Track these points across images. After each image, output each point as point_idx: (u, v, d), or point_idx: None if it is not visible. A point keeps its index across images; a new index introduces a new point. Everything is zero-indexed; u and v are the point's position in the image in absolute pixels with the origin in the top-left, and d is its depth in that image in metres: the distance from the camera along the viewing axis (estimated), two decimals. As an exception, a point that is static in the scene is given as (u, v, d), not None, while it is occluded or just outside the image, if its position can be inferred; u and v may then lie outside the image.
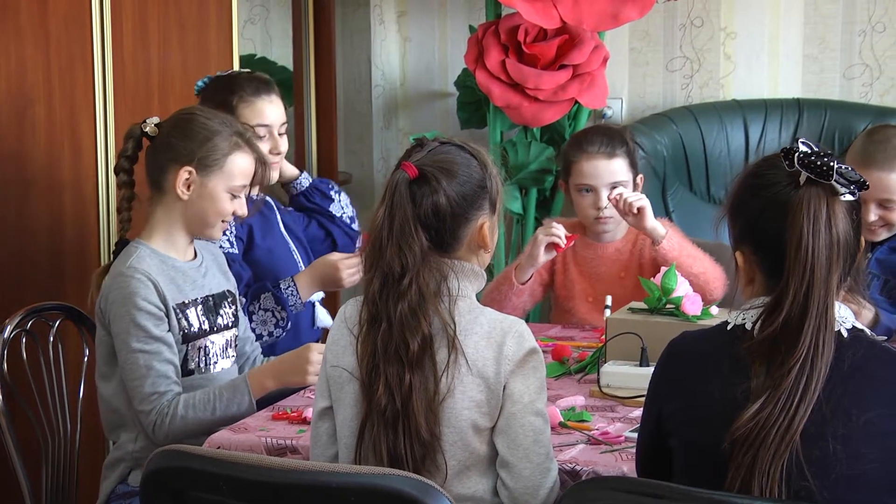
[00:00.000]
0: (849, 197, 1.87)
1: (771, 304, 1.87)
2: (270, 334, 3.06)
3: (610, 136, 3.28)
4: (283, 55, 4.77)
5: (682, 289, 2.80)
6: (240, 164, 2.70)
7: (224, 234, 3.01)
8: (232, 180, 2.70)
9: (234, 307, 2.82)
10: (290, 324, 3.09)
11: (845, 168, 1.86)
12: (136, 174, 2.76)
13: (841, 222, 1.85)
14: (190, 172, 2.67)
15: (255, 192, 3.16)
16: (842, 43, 4.37)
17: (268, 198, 3.25)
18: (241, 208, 2.74)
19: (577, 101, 4.16)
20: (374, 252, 2.07)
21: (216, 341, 2.75)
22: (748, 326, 1.89)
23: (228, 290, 2.83)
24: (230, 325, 2.80)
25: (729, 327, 1.93)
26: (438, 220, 2.06)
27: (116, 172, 2.79)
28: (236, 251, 3.07)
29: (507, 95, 4.13)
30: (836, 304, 1.89)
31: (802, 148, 1.88)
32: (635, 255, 3.31)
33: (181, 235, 2.72)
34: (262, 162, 2.76)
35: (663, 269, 2.85)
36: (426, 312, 2.03)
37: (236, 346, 2.84)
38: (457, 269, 2.09)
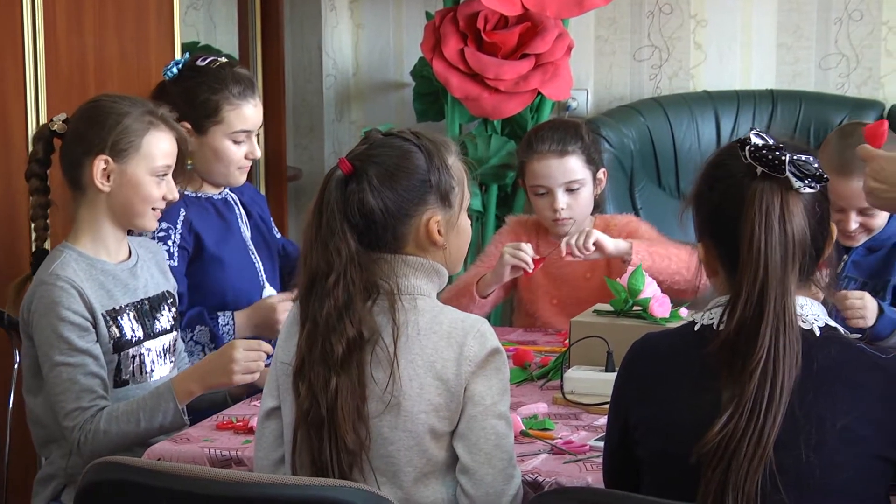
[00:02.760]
0: (808, 189, 1.87)
1: (727, 305, 1.88)
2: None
3: (562, 133, 3.28)
4: (227, 43, 4.75)
5: (649, 290, 2.82)
6: (158, 144, 2.68)
7: (164, 243, 2.99)
8: (153, 161, 2.67)
9: (174, 309, 2.81)
10: None
11: (801, 159, 1.86)
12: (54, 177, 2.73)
13: (797, 217, 1.86)
14: (106, 161, 2.64)
15: (218, 191, 3.14)
16: (817, 31, 4.41)
17: (229, 195, 3.20)
18: (172, 192, 2.71)
19: (539, 93, 4.18)
20: (304, 251, 2.10)
21: (152, 348, 2.73)
22: (716, 326, 1.90)
23: (168, 291, 2.81)
24: (169, 328, 2.78)
25: (696, 328, 1.94)
26: (366, 218, 2.08)
27: (27, 178, 2.76)
28: (176, 263, 3.02)
29: (465, 86, 4.14)
30: (809, 301, 1.91)
31: (754, 140, 1.88)
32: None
33: (110, 233, 2.70)
34: (182, 139, 2.73)
35: (630, 268, 2.87)
36: (353, 314, 2.04)
37: (175, 350, 2.82)
38: (410, 265, 2.10)
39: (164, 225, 3.00)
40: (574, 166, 3.27)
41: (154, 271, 2.80)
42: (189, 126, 3.03)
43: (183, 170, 2.78)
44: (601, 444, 2.27)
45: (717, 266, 1.94)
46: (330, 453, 2.03)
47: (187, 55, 3.15)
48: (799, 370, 1.83)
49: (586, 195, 3.29)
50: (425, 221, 2.11)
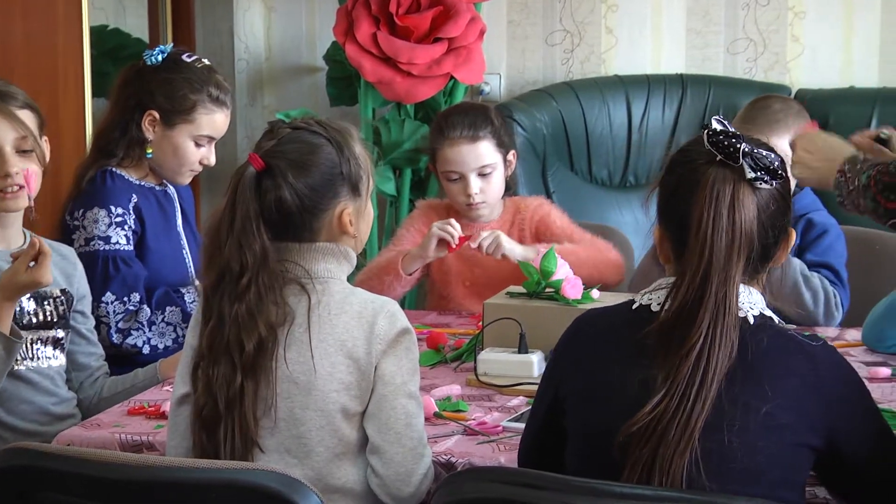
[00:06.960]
0: (763, 185, 1.88)
1: (671, 287, 1.90)
2: (167, 348, 3.00)
3: (473, 117, 3.30)
4: (137, 26, 4.70)
5: (562, 272, 2.84)
6: None
7: (122, 228, 2.96)
8: None
9: (62, 309, 2.72)
10: None
11: (761, 153, 1.88)
12: None
13: (747, 208, 1.86)
14: None
15: (159, 182, 3.10)
16: (725, 17, 4.47)
17: (169, 187, 3.16)
18: (20, 164, 2.61)
19: (452, 77, 4.19)
20: (212, 247, 2.09)
21: (40, 336, 2.67)
22: (654, 308, 1.92)
23: (64, 290, 2.73)
24: (53, 324, 2.71)
25: (634, 307, 1.96)
26: (282, 215, 2.09)
27: None
28: (131, 247, 3.00)
29: (378, 70, 4.14)
30: (748, 290, 1.92)
31: (714, 125, 1.90)
32: (514, 233, 3.35)
33: None
34: (30, 107, 2.66)
35: (542, 250, 2.88)
36: (265, 315, 2.05)
37: (64, 347, 2.76)
38: (321, 251, 2.12)
39: (119, 210, 2.99)
40: (486, 151, 3.29)
41: (54, 269, 2.71)
42: (157, 115, 3.03)
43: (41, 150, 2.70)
44: (515, 424, 2.29)
45: (670, 252, 1.96)
46: (224, 449, 2.04)
47: (171, 45, 3.13)
48: (733, 358, 1.85)
49: (498, 179, 3.32)
50: (338, 214, 2.13)
